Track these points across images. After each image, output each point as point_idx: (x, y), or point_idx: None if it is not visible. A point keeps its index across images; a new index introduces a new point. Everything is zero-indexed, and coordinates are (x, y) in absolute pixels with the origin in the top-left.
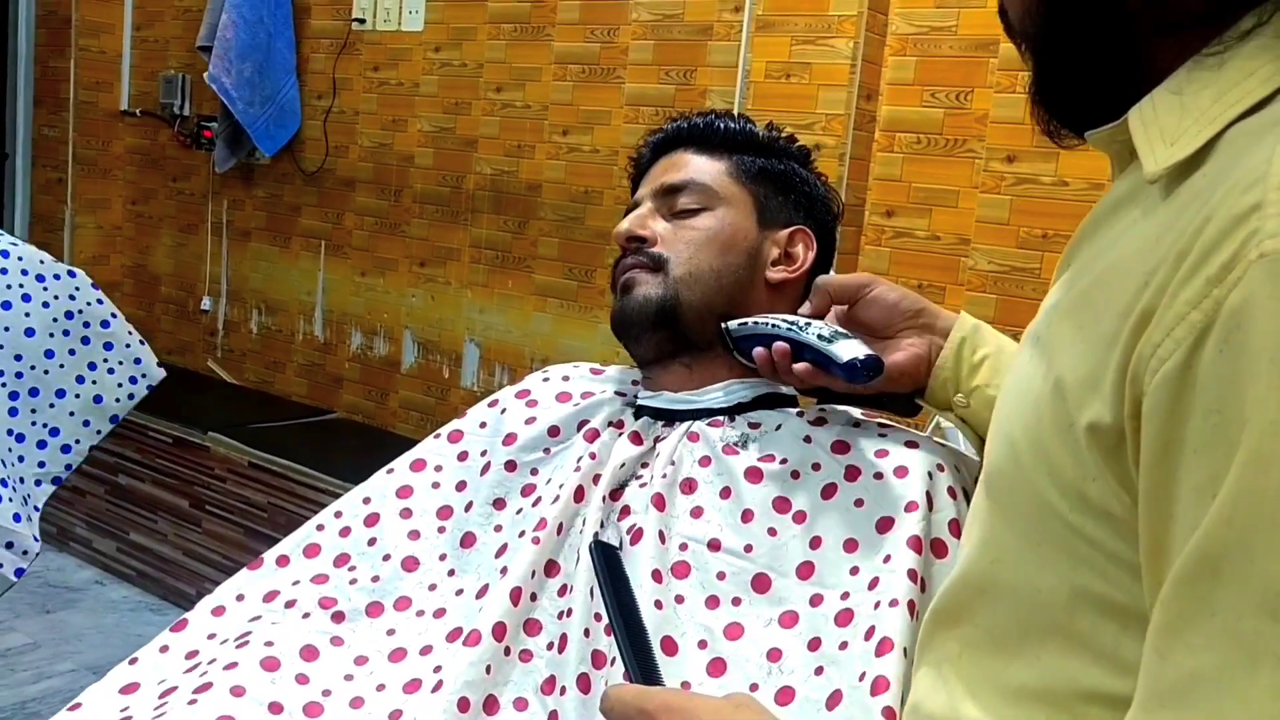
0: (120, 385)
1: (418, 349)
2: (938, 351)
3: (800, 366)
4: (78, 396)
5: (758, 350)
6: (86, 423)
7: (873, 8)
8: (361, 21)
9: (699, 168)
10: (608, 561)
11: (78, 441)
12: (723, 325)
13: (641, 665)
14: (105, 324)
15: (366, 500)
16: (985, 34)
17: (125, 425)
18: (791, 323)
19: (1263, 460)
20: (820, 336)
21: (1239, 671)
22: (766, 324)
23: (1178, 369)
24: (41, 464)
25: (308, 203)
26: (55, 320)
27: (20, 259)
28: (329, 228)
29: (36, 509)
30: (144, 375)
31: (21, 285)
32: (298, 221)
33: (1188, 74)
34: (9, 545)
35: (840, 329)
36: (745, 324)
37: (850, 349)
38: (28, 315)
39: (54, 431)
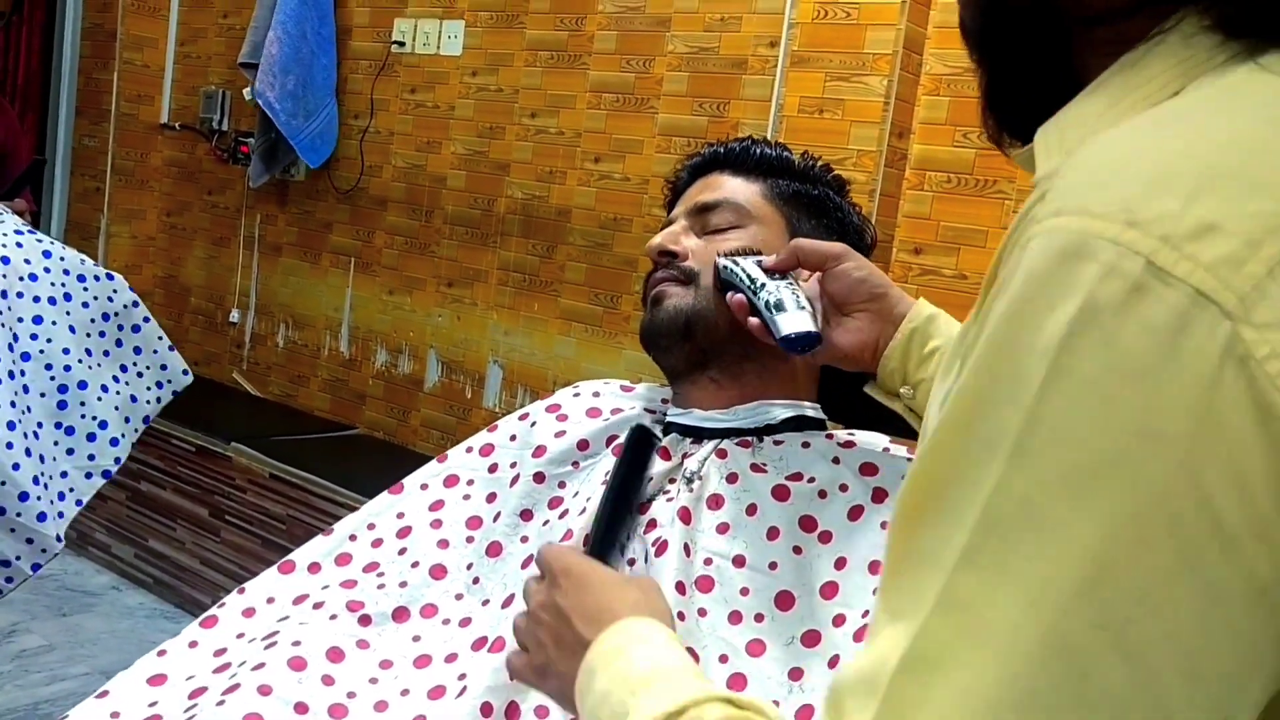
0: (149, 389)
1: (441, 368)
2: (888, 341)
3: (753, 322)
4: (118, 393)
5: (732, 298)
6: (128, 419)
7: (908, 47)
8: (401, 44)
9: (733, 188)
10: (637, 447)
11: (123, 436)
12: (718, 259)
13: (597, 539)
14: (136, 328)
15: (400, 515)
16: None
17: (148, 433)
18: (754, 281)
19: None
20: (769, 304)
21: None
22: (740, 275)
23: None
24: (91, 456)
25: (339, 220)
26: (93, 321)
27: (62, 259)
28: (359, 245)
29: (80, 502)
30: (169, 380)
31: (64, 285)
32: (328, 238)
33: (1095, 85)
34: (29, 541)
35: (800, 293)
36: (728, 268)
37: (792, 322)
38: (68, 314)
39: (103, 424)
